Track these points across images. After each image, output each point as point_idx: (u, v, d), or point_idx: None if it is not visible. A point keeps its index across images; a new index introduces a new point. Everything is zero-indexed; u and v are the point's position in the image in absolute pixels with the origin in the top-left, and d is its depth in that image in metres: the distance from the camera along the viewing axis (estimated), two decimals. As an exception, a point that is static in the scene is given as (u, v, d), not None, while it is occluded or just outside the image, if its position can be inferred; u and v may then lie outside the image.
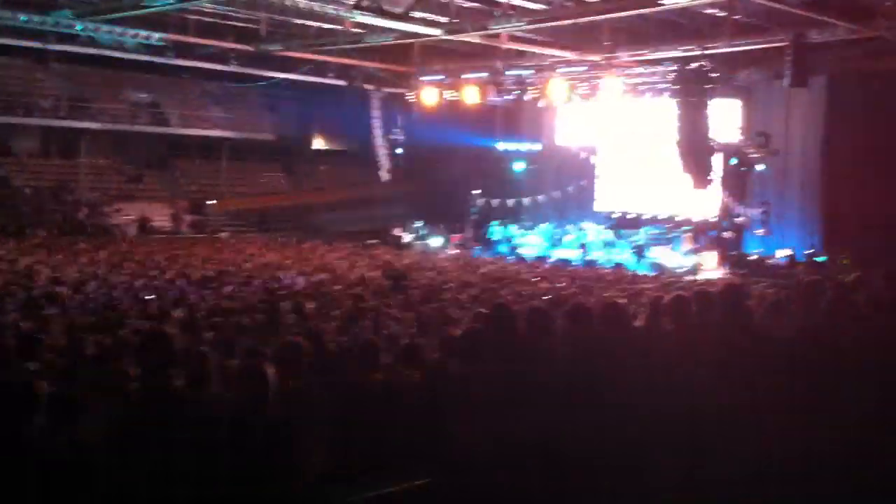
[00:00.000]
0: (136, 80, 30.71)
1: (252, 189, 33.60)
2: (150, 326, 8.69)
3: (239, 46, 22.70)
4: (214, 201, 31.07)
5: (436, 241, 28.62)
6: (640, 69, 22.40)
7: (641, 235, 25.30)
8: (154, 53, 22.80)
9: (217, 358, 5.39)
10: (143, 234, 27.11)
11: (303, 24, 21.24)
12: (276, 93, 32.63)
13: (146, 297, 12.39)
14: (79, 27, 19.72)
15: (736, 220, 24.53)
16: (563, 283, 15.83)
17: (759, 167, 22.97)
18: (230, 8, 19.92)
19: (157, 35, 21.22)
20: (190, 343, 6.66)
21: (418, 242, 28.43)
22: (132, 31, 20.56)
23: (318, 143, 36.69)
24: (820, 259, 21.38)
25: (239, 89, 31.87)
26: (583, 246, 25.31)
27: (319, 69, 25.59)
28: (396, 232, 29.15)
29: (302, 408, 4.54)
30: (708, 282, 18.01)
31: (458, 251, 27.12)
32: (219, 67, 24.97)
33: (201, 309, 11.08)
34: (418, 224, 29.60)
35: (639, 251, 24.32)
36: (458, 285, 15.38)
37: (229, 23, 21.64)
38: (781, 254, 22.46)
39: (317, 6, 18.14)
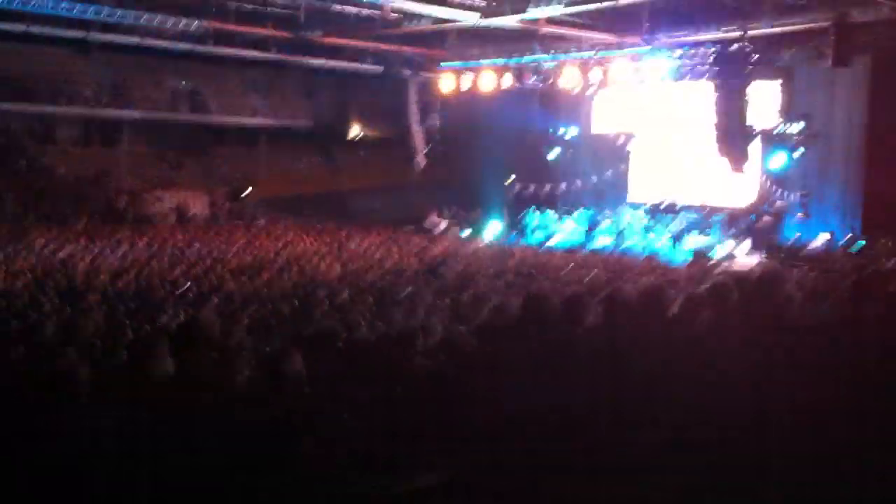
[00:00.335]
0: (177, 69, 30.96)
1: (290, 176, 33.76)
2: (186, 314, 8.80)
3: (278, 34, 22.81)
4: (251, 189, 31.28)
5: (470, 229, 28.59)
6: (680, 51, 22.15)
7: (678, 222, 25.06)
8: (194, 41, 23.01)
9: (252, 344, 5.45)
10: (181, 222, 27.39)
11: (341, 11, 21.30)
12: (313, 80, 32.78)
13: (184, 286, 12.54)
14: (120, 15, 19.93)
15: (775, 204, 24.20)
16: (598, 271, 15.75)
17: (800, 150, 22.59)
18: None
19: (196, 23, 21.38)
20: (226, 330, 6.73)
21: (453, 230, 28.39)
22: (172, 19, 20.73)
23: (355, 130, 36.78)
24: (860, 244, 21.06)
25: (277, 76, 32.03)
26: (619, 233, 25.13)
27: (357, 55, 25.66)
28: (431, 218, 29.13)
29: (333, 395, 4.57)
30: (745, 267, 17.84)
31: (493, 238, 27.06)
32: (258, 55, 25.14)
33: (238, 297, 11.20)
34: (453, 211, 29.58)
35: (676, 238, 24.10)
36: (492, 273, 15.38)
37: (269, 10, 21.75)
38: (821, 238, 22.14)
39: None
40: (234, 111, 32.87)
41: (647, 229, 25.67)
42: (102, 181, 28.80)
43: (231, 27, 22.16)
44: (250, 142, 33.40)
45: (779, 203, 24.10)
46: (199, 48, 23.60)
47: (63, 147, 29.87)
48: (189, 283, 12.84)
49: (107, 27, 21.19)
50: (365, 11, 20.99)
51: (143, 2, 19.41)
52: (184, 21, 20.92)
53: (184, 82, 31.99)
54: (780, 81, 24.04)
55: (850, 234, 21.73)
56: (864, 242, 20.95)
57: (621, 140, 28.62)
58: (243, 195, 31.03)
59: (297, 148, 34.69)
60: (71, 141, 30.43)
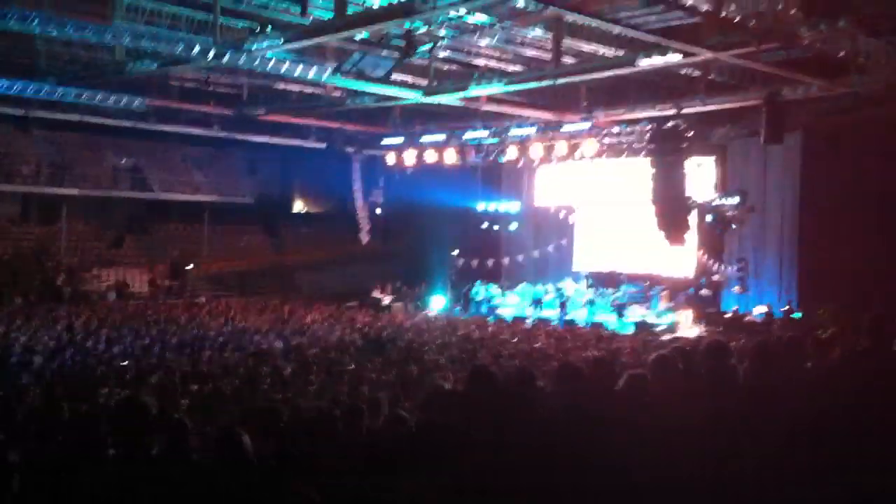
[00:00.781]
0: (118, 145, 30.80)
1: (232, 252, 33.53)
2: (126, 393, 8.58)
3: (220, 111, 22.85)
4: (193, 265, 30.96)
5: (415, 303, 28.61)
6: (617, 129, 22.68)
7: (620, 294, 25.39)
8: (136, 119, 22.92)
9: (194, 424, 5.32)
10: (121, 300, 26.91)
11: (284, 89, 21.46)
12: (256, 156, 32.86)
13: (122, 363, 12.28)
14: (61, 93, 19.80)
15: (713, 277, 24.69)
16: (542, 344, 15.80)
17: (736, 225, 23.16)
18: (213, 73, 20.09)
19: (139, 100, 21.34)
20: (166, 409, 6.57)
21: (397, 304, 28.37)
22: (114, 97, 20.66)
23: (299, 206, 36.81)
24: (796, 315, 21.53)
25: (220, 153, 32.03)
26: (562, 305, 25.34)
27: (300, 132, 25.79)
28: (376, 293, 29.11)
29: (282, 474, 4.48)
30: (688, 339, 18.06)
31: (437, 312, 27.08)
32: (201, 132, 25.11)
33: (178, 374, 10.98)
34: (398, 285, 29.61)
35: (618, 309, 24.38)
36: (437, 347, 15.34)
37: (211, 88, 21.79)
38: (758, 311, 22.57)
39: (298, 71, 18.38)
40: (175, 188, 32.67)
41: (591, 301, 25.94)
42: (41, 258, 28.27)
43: (173, 104, 22.14)
44: (193, 218, 33.15)
45: (717, 276, 24.60)
46: (141, 125, 23.52)
47: (1, 224, 29.34)
48: (128, 361, 12.57)
49: (47, 104, 21.03)
50: (308, 89, 21.18)
51: (84, 79, 19.32)
52: (125, 98, 20.88)
53: (125, 159, 31.79)
54: (714, 157, 24.79)
55: (787, 307, 22.21)
56: (800, 314, 21.43)
57: (563, 213, 29.08)
58: (185, 272, 30.66)
59: (240, 224, 34.54)
60: (9, 217, 29.91)
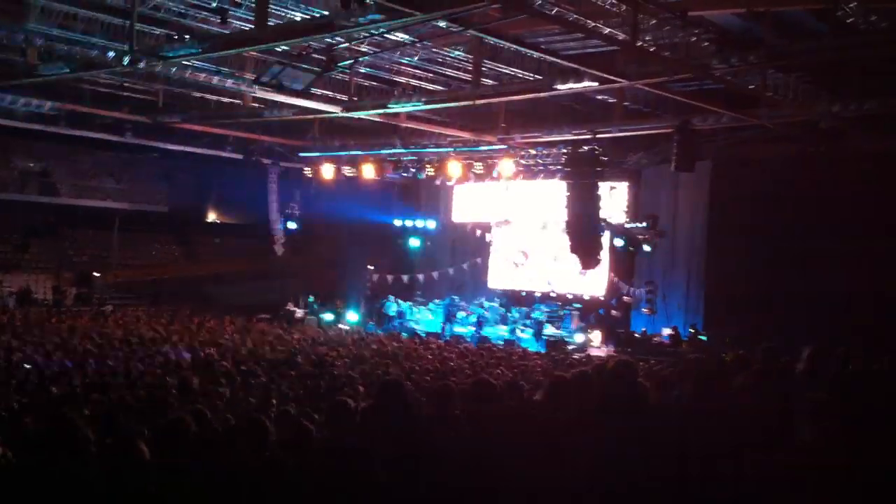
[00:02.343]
0: (27, 149, 29.92)
1: (143, 261, 32.85)
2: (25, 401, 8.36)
3: (134, 117, 22.39)
4: (101, 273, 30.21)
5: (328, 317, 28.45)
6: (534, 151, 23.01)
7: (534, 312, 25.72)
8: (46, 122, 22.29)
9: (94, 435, 5.22)
10: (23, 307, 26.06)
11: (201, 97, 21.18)
12: (171, 164, 32.27)
13: (24, 371, 11.92)
14: (-33, 94, 19.18)
15: (623, 298, 25.22)
16: (455, 361, 15.87)
17: (646, 248, 23.70)
18: (127, 79, 19.71)
19: (49, 104, 20.78)
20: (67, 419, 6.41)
21: (311, 317, 28.18)
22: (23, 99, 20.08)
23: (213, 216, 36.29)
24: (702, 337, 22.15)
25: (133, 160, 31.37)
26: (477, 322, 25.52)
27: (217, 142, 25.43)
28: (289, 306, 28.85)
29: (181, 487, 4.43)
30: (598, 358, 18.38)
31: (350, 327, 26.98)
32: (113, 138, 24.55)
33: (81, 384, 10.71)
34: (311, 299, 29.42)
35: (531, 328, 24.68)
36: (349, 361, 15.29)
37: (126, 94, 21.36)
38: (666, 332, 23.13)
39: (216, 80, 18.16)
40: (86, 194, 31.91)
41: (504, 318, 26.23)
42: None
43: (85, 109, 21.58)
44: (102, 225, 32.34)
45: (627, 297, 25.13)
46: (52, 129, 22.88)
47: None
48: (28, 370, 12.20)
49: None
50: (226, 99, 20.94)
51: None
52: (35, 101, 20.32)
53: (33, 163, 30.89)
54: (627, 182, 25.38)
55: (692, 330, 22.82)
56: (705, 337, 22.05)
57: (480, 231, 29.35)
58: (92, 280, 29.87)
59: (152, 233, 33.90)
60: None
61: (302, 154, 26.72)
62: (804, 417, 5.80)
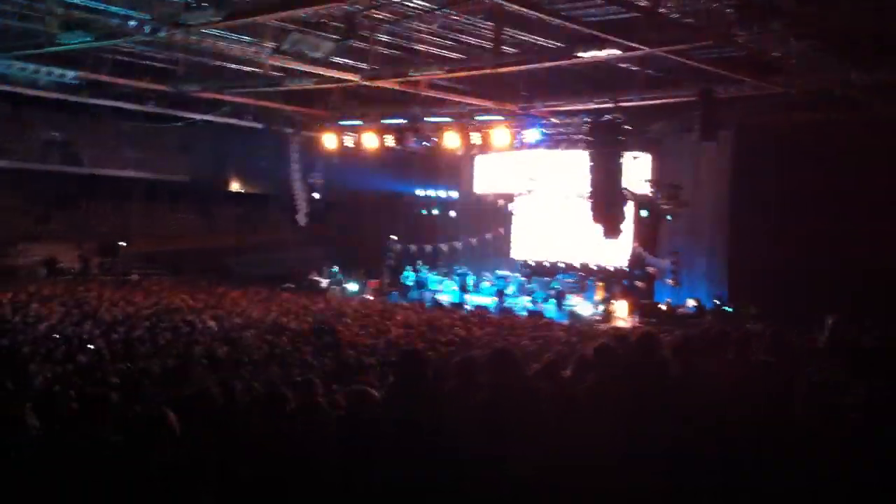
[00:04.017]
0: (49, 119, 29.98)
1: (165, 231, 32.98)
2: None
3: (155, 86, 22.39)
4: (125, 243, 30.39)
5: (352, 286, 28.53)
6: (556, 120, 22.84)
7: (557, 283, 25.67)
8: (68, 92, 22.33)
9: (122, 403, 5.26)
10: (50, 276, 26.30)
11: (221, 66, 21.13)
12: (192, 134, 32.19)
13: (53, 341, 12.04)
14: (-10, 64, 19.22)
15: (647, 269, 25.10)
16: (479, 330, 15.89)
17: (669, 218, 23.55)
18: (148, 47, 19.69)
19: (71, 73, 20.79)
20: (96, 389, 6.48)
21: (335, 287, 28.26)
22: (45, 69, 20.10)
23: (235, 186, 36.31)
24: (727, 309, 22.03)
25: (154, 129, 31.40)
26: (499, 292, 25.51)
27: (237, 111, 25.41)
28: (313, 276, 28.94)
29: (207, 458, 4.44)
30: (621, 329, 18.35)
31: (374, 297, 27.05)
32: (134, 107, 24.59)
33: (108, 354, 10.81)
34: (335, 269, 29.49)
35: (554, 299, 24.65)
36: (373, 331, 15.34)
37: (146, 62, 21.34)
38: (690, 303, 23.03)
39: (236, 49, 18.08)
40: (107, 163, 31.94)
41: (528, 289, 26.21)
42: (-36, 233, 27.49)
43: (106, 78, 21.59)
44: (125, 195, 32.47)
45: (650, 268, 25.02)
46: (73, 98, 22.92)
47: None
48: (57, 338, 12.32)
49: (-26, 75, 20.38)
50: (246, 67, 20.88)
51: (14, 49, 18.73)
52: (58, 71, 20.33)
53: (56, 133, 30.98)
54: (650, 152, 25.16)
55: (717, 301, 22.71)
56: (730, 308, 21.93)
57: (502, 201, 29.25)
58: (116, 249, 30.07)
59: (173, 202, 33.97)
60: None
61: (324, 123, 26.65)
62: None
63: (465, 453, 4.79)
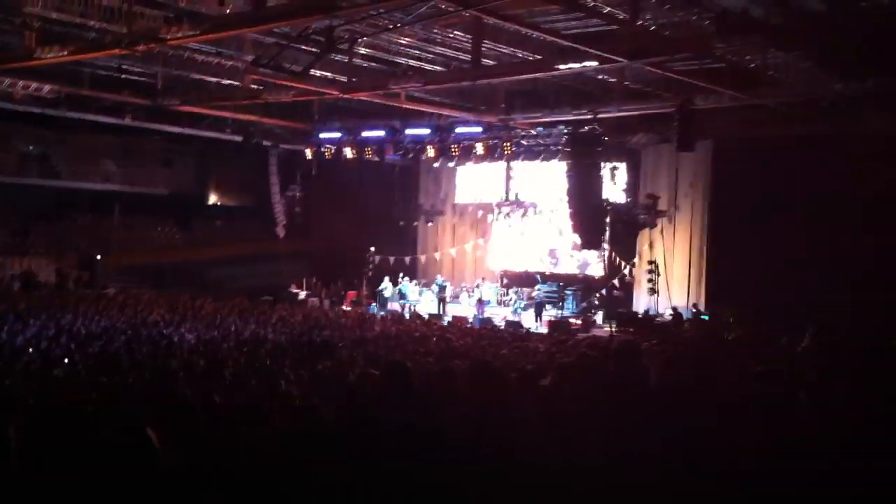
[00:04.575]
0: (26, 132, 29.85)
1: (145, 244, 32.84)
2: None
3: (135, 100, 22.34)
4: (103, 257, 30.24)
5: (331, 299, 28.51)
6: (535, 131, 22.96)
7: (535, 293, 25.74)
8: (45, 105, 22.24)
9: (101, 418, 5.23)
10: (27, 291, 26.09)
11: (201, 79, 21.12)
12: (171, 147, 32.23)
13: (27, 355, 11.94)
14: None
15: (624, 279, 25.24)
16: (459, 341, 15.90)
17: (647, 228, 23.69)
18: (127, 61, 19.65)
19: (48, 87, 20.72)
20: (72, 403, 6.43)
21: (313, 299, 28.23)
22: (22, 83, 20.01)
23: (214, 199, 36.25)
24: (704, 317, 22.18)
25: (133, 143, 31.31)
26: (479, 303, 25.56)
27: (217, 124, 25.41)
28: (292, 288, 28.90)
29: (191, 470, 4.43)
30: (601, 339, 18.41)
31: (353, 308, 27.02)
32: (113, 121, 24.52)
33: (84, 367, 10.74)
34: (314, 281, 29.45)
35: (533, 308, 24.71)
36: (353, 343, 15.33)
37: (125, 76, 21.30)
38: (668, 312, 23.15)
39: (215, 61, 18.09)
40: (86, 177, 31.82)
41: (506, 300, 26.29)
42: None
43: (85, 92, 21.53)
44: (104, 209, 32.33)
45: (628, 277, 25.16)
46: (51, 112, 22.84)
47: None
48: (31, 351, 12.22)
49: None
50: (225, 80, 20.88)
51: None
52: (35, 85, 20.26)
53: (33, 146, 30.84)
54: (628, 162, 25.34)
55: (694, 309, 22.86)
56: (707, 316, 22.08)
57: (481, 212, 29.34)
58: (94, 263, 29.90)
59: (153, 216, 33.85)
60: None
61: (302, 136, 26.67)
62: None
63: (460, 456, 4.82)
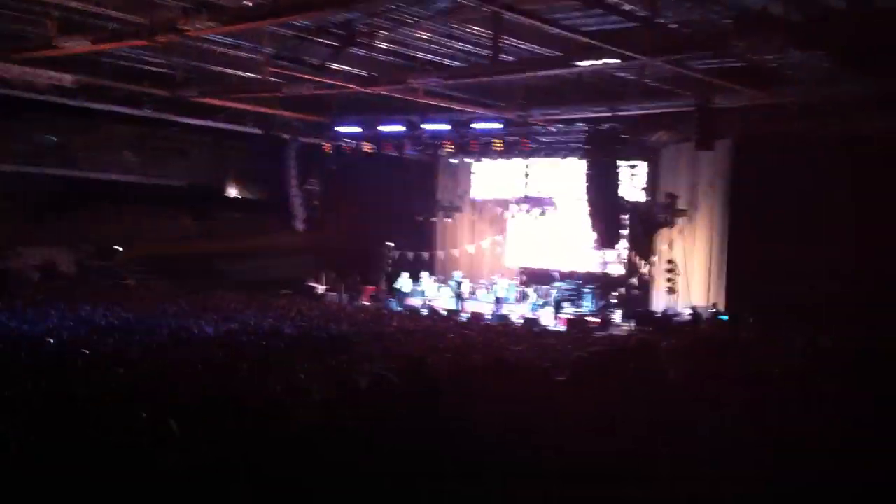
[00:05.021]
0: (45, 121, 29.94)
1: (163, 236, 32.91)
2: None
3: (153, 91, 22.40)
4: (121, 248, 30.36)
5: (350, 293, 28.52)
6: (553, 128, 22.89)
7: (553, 291, 25.69)
8: (64, 95, 22.33)
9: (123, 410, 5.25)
10: (46, 280, 26.24)
11: (220, 71, 21.15)
12: (189, 138, 32.24)
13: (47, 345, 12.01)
14: (-14, 66, 19.19)
15: (643, 277, 25.14)
16: (477, 338, 15.89)
17: (666, 227, 23.58)
18: (146, 52, 19.69)
19: (68, 77, 20.79)
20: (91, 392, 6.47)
21: (332, 294, 28.25)
22: (42, 72, 20.08)
23: (232, 191, 36.30)
24: (723, 317, 22.06)
25: (152, 134, 31.37)
26: (496, 300, 25.53)
27: (235, 116, 25.43)
28: (310, 283, 28.94)
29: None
30: (619, 338, 18.36)
31: (371, 303, 27.04)
32: (132, 111, 24.60)
33: (103, 357, 10.79)
34: (332, 275, 29.47)
35: (552, 306, 24.66)
36: (370, 337, 15.34)
37: (144, 67, 21.35)
38: (686, 312, 23.05)
39: (234, 54, 18.08)
40: (104, 167, 31.90)
41: (524, 296, 26.24)
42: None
43: (104, 82, 21.59)
44: (122, 199, 32.38)
45: (647, 276, 25.06)
46: (70, 102, 22.92)
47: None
48: (52, 341, 12.30)
49: (-29, 76, 20.35)
50: (244, 73, 20.88)
51: (11, 52, 18.71)
52: (54, 74, 20.33)
53: (52, 136, 30.95)
54: (647, 161, 25.23)
55: (713, 309, 22.73)
56: (726, 317, 21.96)
57: (500, 209, 29.30)
58: (113, 254, 30.02)
59: (170, 207, 33.90)
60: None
61: (321, 130, 26.68)
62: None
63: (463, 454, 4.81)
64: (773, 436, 5.26)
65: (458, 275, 27.55)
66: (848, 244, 19.54)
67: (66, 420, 4.71)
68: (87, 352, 11.48)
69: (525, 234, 28.85)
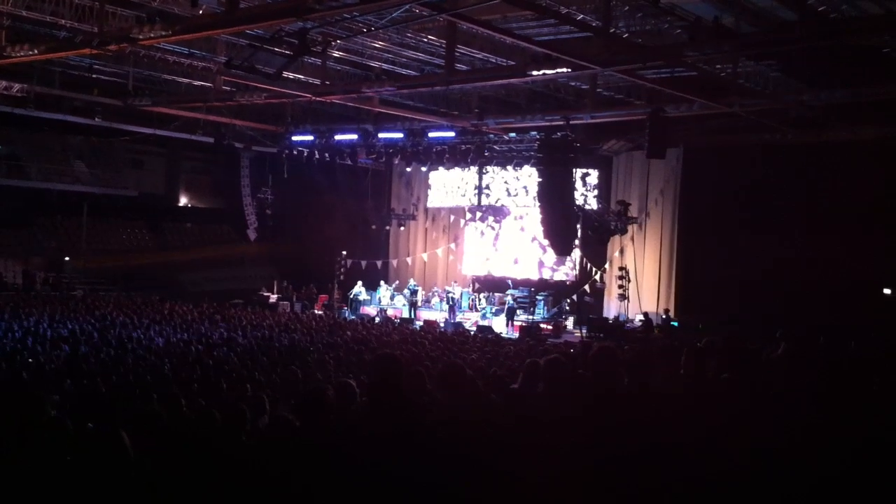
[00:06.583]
0: (-5, 131, 29.48)
1: (114, 246, 32.51)
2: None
3: (105, 100, 22.14)
4: (71, 258, 29.92)
5: (303, 302, 28.36)
6: (507, 137, 23.01)
7: (507, 298, 25.77)
8: (14, 105, 21.97)
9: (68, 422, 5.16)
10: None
11: (172, 80, 20.98)
12: (142, 148, 31.92)
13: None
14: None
15: (595, 285, 25.36)
16: (430, 346, 15.87)
17: (618, 235, 23.82)
18: (98, 61, 19.48)
19: (17, 86, 20.50)
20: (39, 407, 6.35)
21: (284, 303, 28.06)
22: (-7, 82, 19.81)
23: (185, 201, 35.99)
24: (674, 323, 22.34)
25: (103, 144, 31.01)
26: (450, 308, 25.56)
27: (188, 126, 25.21)
28: (263, 292, 28.73)
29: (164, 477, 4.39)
30: (573, 345, 18.45)
31: (325, 312, 26.91)
32: (83, 121, 24.27)
33: (50, 371, 10.62)
34: (284, 284, 29.29)
35: (504, 313, 24.74)
36: (323, 347, 15.27)
37: (96, 76, 21.11)
38: (637, 318, 23.29)
39: (187, 62, 17.95)
40: (55, 177, 31.44)
41: (477, 304, 26.30)
42: None
43: (55, 92, 21.29)
44: (72, 210, 31.94)
45: (599, 283, 25.28)
46: (19, 111, 22.56)
47: None
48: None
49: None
50: (197, 82, 20.74)
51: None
52: (3, 83, 20.04)
53: (1, 146, 30.45)
54: (599, 169, 25.49)
55: (664, 316, 23.00)
56: (676, 323, 22.24)
57: (454, 217, 29.36)
58: (63, 264, 29.56)
59: (122, 218, 33.53)
60: None
61: (273, 139, 26.53)
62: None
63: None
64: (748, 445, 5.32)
65: (412, 283, 27.55)
66: (799, 250, 19.92)
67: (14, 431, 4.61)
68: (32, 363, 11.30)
69: (479, 242, 28.93)
